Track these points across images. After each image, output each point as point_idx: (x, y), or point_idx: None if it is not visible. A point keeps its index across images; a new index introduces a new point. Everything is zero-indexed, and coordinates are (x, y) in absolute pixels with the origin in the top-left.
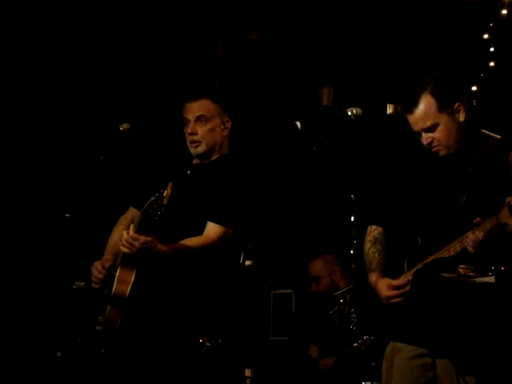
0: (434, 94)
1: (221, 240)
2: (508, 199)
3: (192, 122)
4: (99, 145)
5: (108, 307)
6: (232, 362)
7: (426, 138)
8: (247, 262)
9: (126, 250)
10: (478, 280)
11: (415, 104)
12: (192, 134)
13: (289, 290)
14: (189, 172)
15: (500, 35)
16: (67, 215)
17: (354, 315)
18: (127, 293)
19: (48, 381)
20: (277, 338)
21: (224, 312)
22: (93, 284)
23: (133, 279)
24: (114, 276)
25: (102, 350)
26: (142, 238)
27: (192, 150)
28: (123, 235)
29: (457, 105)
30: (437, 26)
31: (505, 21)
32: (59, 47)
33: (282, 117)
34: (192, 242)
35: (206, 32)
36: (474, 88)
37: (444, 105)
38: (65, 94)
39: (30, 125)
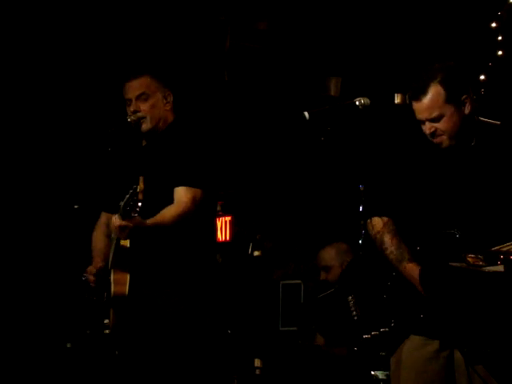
0: (443, 84)
1: (192, 201)
2: None
3: (133, 101)
4: (107, 136)
5: (111, 310)
6: (242, 352)
7: (429, 127)
8: (256, 253)
9: (119, 235)
10: (487, 269)
11: (423, 92)
12: (135, 111)
13: (297, 281)
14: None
15: (508, 24)
16: (76, 206)
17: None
18: (126, 291)
19: (58, 371)
20: (286, 329)
21: (232, 302)
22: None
23: (129, 278)
24: (110, 280)
25: (116, 352)
26: (132, 222)
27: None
28: (112, 222)
29: (464, 97)
30: (445, 14)
31: None
32: (70, 40)
33: (289, 107)
34: (167, 211)
35: (214, 23)
36: (482, 77)
37: (452, 96)
38: (73, 85)
39: (40, 117)
